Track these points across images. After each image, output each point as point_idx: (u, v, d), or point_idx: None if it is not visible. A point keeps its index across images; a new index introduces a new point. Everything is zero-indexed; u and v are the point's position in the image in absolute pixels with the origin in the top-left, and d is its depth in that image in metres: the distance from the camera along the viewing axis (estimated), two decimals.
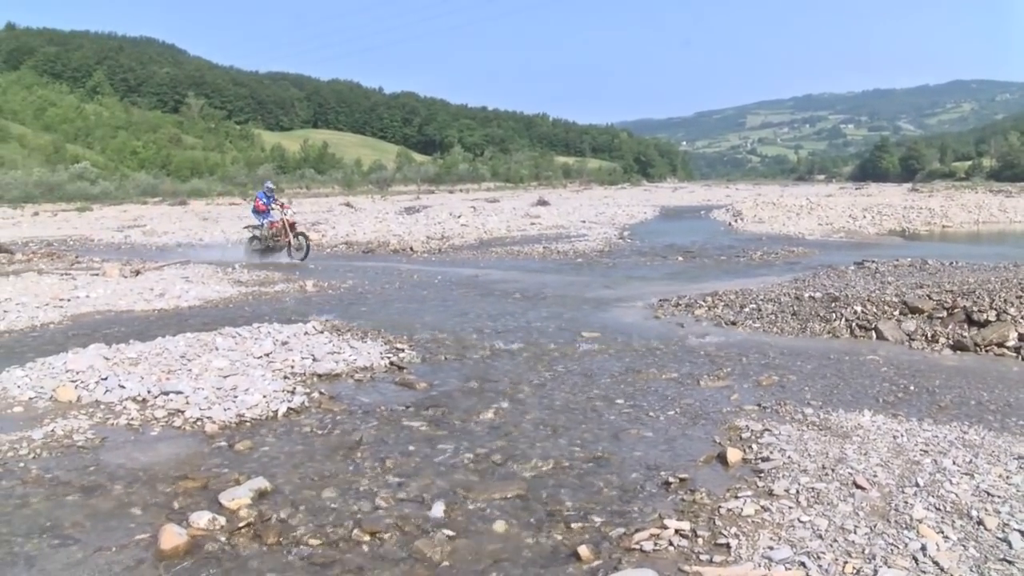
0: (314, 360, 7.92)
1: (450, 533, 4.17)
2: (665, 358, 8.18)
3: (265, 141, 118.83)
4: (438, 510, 4.45)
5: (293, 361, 7.86)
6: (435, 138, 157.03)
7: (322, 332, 9.29)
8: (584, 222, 32.68)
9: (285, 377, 7.36)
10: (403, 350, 8.55)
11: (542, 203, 47.92)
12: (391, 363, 8.00)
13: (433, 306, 11.83)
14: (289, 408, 6.44)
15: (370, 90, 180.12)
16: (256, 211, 21.30)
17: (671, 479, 4.78)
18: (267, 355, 8.01)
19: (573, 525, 4.24)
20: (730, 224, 31.62)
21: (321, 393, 6.89)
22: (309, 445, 5.63)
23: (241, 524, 4.30)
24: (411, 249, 22.64)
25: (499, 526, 4.25)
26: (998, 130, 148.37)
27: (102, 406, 6.53)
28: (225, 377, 7.13)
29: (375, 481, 4.90)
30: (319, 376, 7.49)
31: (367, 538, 4.14)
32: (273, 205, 20.95)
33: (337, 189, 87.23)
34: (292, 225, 20.56)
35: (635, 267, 17.32)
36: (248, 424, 6.11)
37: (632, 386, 7.06)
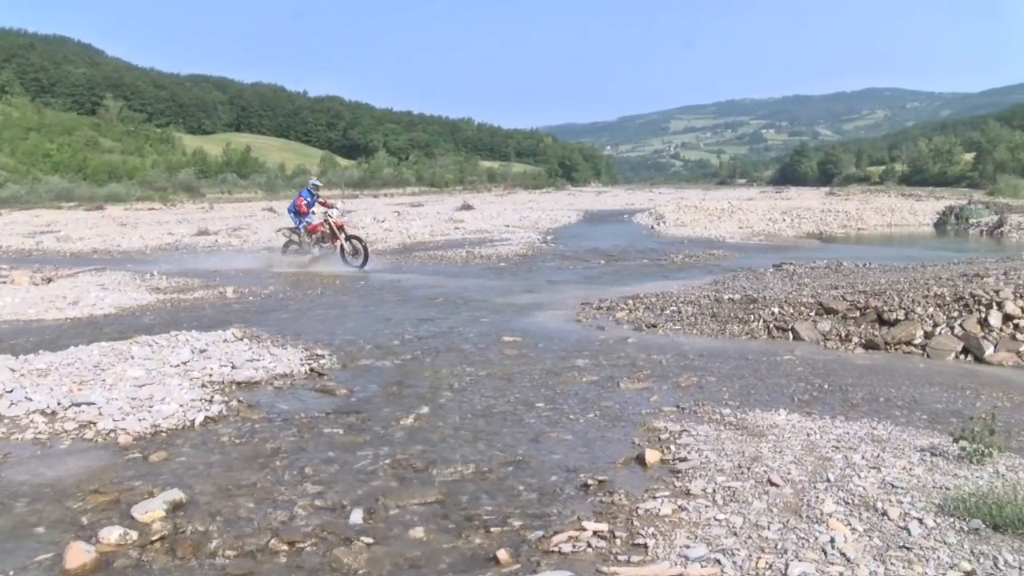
0: (233, 368, 7.80)
1: (369, 540, 4.14)
2: (585, 361, 8.24)
3: (186, 145, 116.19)
4: (357, 517, 4.41)
5: (211, 369, 7.72)
6: (360, 142, 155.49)
7: (241, 339, 9.15)
8: (508, 226, 32.74)
9: (203, 386, 7.22)
10: (323, 356, 8.47)
11: (466, 207, 47.94)
12: (311, 369, 7.92)
13: (355, 312, 11.74)
14: (206, 417, 6.31)
15: (294, 93, 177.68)
16: (295, 211, 18.96)
17: (590, 481, 4.82)
18: (184, 364, 7.85)
19: (492, 529, 4.24)
20: (652, 228, 32.01)
21: (240, 401, 6.78)
22: (227, 454, 5.54)
23: (154, 538, 4.20)
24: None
25: (418, 532, 4.24)
26: (909, 136, 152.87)
27: (5, 420, 6.28)
28: (140, 387, 6.96)
29: (293, 490, 4.84)
30: (238, 384, 7.37)
31: (285, 548, 4.08)
32: (316, 206, 18.81)
33: (260, 194, 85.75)
34: (340, 227, 18.53)
35: (557, 271, 17.42)
36: (164, 434, 5.97)
37: (552, 389, 7.11)
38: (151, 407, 6.45)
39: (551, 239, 26.54)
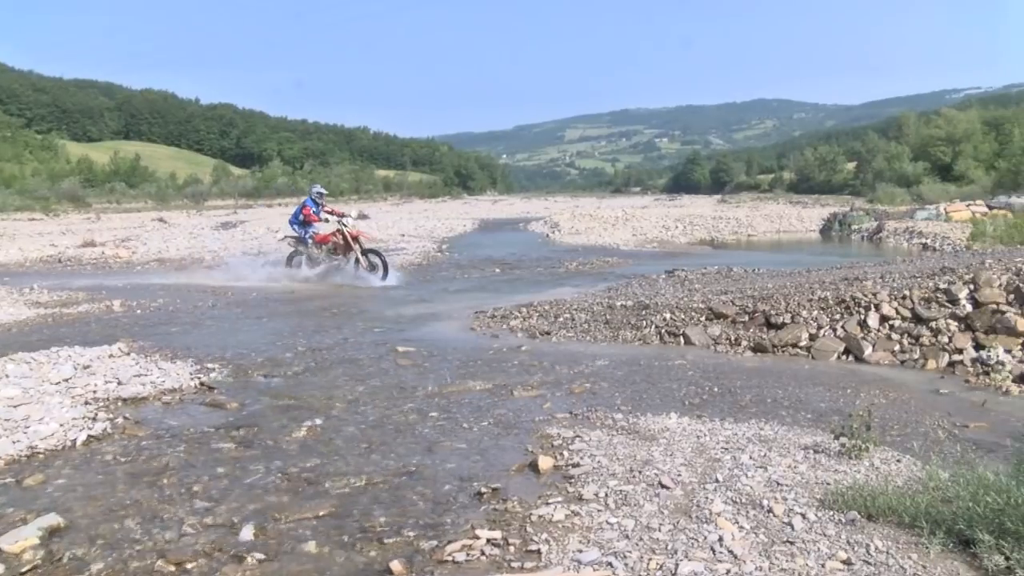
0: (119, 384, 7.54)
1: (260, 557, 4.05)
2: (480, 370, 8.25)
3: (71, 152, 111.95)
4: (247, 533, 4.31)
5: (95, 386, 7.43)
6: (253, 151, 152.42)
7: (128, 354, 8.87)
8: (403, 235, 32.64)
9: (86, 403, 6.95)
10: (214, 370, 8.28)
11: (362, 217, 47.49)
12: (201, 383, 7.73)
13: (247, 324, 11.52)
14: (89, 436, 6.07)
15: (186, 101, 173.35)
16: (300, 221, 17.51)
17: (484, 489, 4.82)
18: (66, 381, 7.53)
19: (386, 540, 4.21)
20: (547, 236, 32.31)
21: (126, 418, 6.56)
22: (111, 474, 5.34)
23: (25, 569, 3.98)
24: (226, 265, 21.89)
25: (310, 546, 4.17)
26: (796, 146, 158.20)
27: None
28: (15, 407, 6.61)
29: (181, 507, 4.70)
30: (124, 400, 7.12)
31: (172, 568, 3.96)
32: (323, 215, 17.39)
33: (150, 204, 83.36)
34: (356, 238, 16.96)
35: (452, 280, 17.43)
36: (41, 456, 5.70)
37: (446, 399, 7.09)
38: (27, 428, 6.13)
39: (446, 248, 26.55)
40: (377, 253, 17.46)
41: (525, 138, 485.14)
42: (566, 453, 5.44)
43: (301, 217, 17.59)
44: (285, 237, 18.82)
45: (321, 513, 4.59)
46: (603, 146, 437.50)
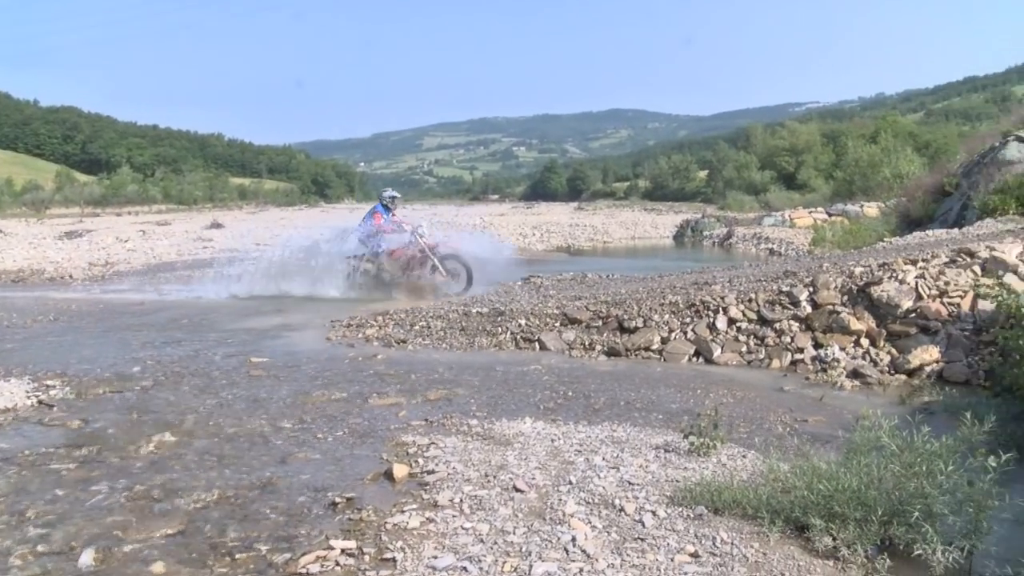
0: None
1: None
2: (334, 380, 8.14)
3: None
4: (87, 558, 4.10)
5: None
6: (100, 157, 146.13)
7: None
8: (259, 245, 31.80)
9: None
10: (54, 387, 7.87)
11: (216, 226, 46.32)
12: (39, 402, 7.33)
13: (92, 337, 11.00)
14: None
15: (23, 102, 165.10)
16: (368, 234, 15.37)
17: (338, 499, 4.76)
18: None
19: (237, 556, 4.10)
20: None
21: None
22: None
23: None
24: (70, 276, 20.84)
25: (157, 567, 4.02)
26: (650, 155, 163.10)
27: None
28: None
29: (10, 536, 4.40)
30: None
31: None
32: (392, 222, 15.32)
33: None
34: (433, 248, 15.13)
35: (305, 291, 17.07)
36: None
37: (301, 409, 6.97)
38: None
39: (303, 257, 26.02)
40: (457, 258, 15.50)
41: (383, 146, 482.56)
42: (421, 460, 5.43)
43: (372, 228, 15.43)
44: (348, 258, 15.79)
45: (169, 531, 4.43)
46: (461, 154, 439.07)
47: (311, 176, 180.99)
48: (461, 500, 4.63)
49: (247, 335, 11.02)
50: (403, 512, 4.51)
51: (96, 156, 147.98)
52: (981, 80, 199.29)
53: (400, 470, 5.18)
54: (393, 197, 16.11)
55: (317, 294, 15.29)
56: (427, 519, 4.39)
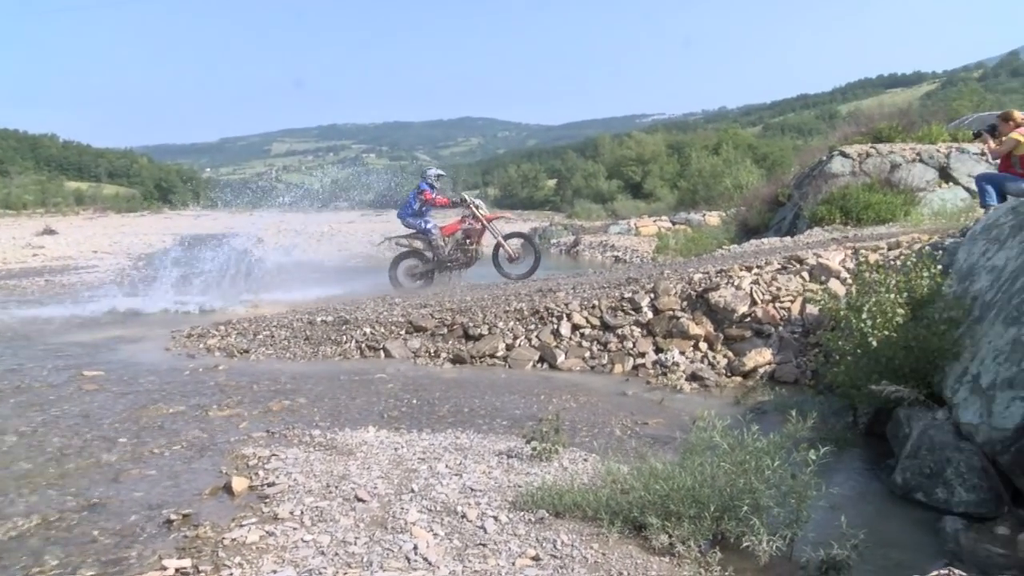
0: None
1: None
2: (173, 392, 7.83)
3: None
4: None
5: None
6: None
7: None
8: (96, 252, 30.55)
9: None
10: None
11: (49, 232, 44.13)
12: None
13: None
14: None
15: None
16: (416, 211, 14.44)
17: (174, 516, 4.58)
18: None
19: None
20: (251, 251, 31.36)
21: None
22: None
23: None
24: None
25: None
26: (500, 163, 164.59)
27: None
28: None
29: None
30: None
31: None
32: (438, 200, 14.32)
33: None
34: (491, 221, 14.32)
35: (148, 301, 16.42)
36: None
37: (136, 423, 6.66)
38: None
39: (144, 265, 25.10)
40: (522, 235, 14.69)
41: (230, 151, 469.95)
42: (262, 472, 5.29)
43: (417, 205, 14.49)
44: (392, 238, 15.16)
45: None
46: (311, 160, 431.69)
47: (154, 181, 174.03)
48: (302, 512, 4.54)
49: (79, 348, 10.46)
50: (242, 526, 4.38)
51: None
52: (812, 98, 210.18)
53: (240, 483, 5.04)
54: (439, 175, 15.16)
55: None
56: (267, 532, 4.28)
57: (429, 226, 14.23)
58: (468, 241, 14.22)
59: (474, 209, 14.20)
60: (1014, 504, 4.75)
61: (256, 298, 15.14)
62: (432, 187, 14.55)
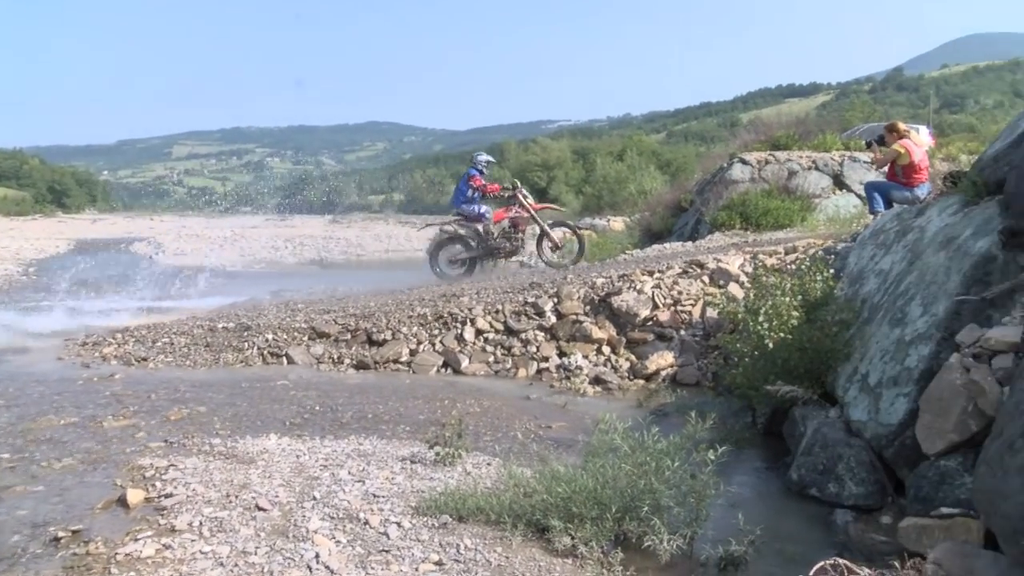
0: None
1: None
2: (65, 403, 7.52)
3: None
4: None
5: None
6: None
7: None
8: None
9: None
10: None
11: None
12: None
13: None
14: None
15: None
16: (466, 198, 14.02)
17: (62, 533, 4.39)
18: None
19: None
20: (151, 257, 30.64)
21: None
22: None
23: None
24: None
25: None
26: (406, 168, 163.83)
27: None
28: None
29: None
30: None
31: None
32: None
33: None
34: (537, 212, 13.94)
35: (38, 307, 15.88)
36: None
37: (23, 437, 6.36)
38: None
39: (34, 271, 24.31)
40: (566, 225, 14.47)
41: (129, 153, 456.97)
42: (159, 484, 5.14)
43: (470, 192, 14.16)
44: (450, 222, 14.66)
45: None
46: (213, 164, 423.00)
47: (47, 183, 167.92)
48: (201, 523, 4.44)
49: None
50: (136, 540, 4.25)
51: None
52: (715, 106, 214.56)
53: (135, 495, 4.89)
54: (488, 161, 14.91)
55: None
56: (163, 546, 4.17)
57: (483, 210, 13.98)
58: (514, 230, 13.98)
59: (521, 198, 13.98)
60: (897, 494, 4.97)
61: (155, 304, 14.76)
62: (481, 173, 14.33)
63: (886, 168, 11.22)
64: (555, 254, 14.04)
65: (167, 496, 4.91)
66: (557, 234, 14.20)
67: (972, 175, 6.35)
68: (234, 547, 4.13)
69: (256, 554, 4.05)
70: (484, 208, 14.00)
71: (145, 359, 9.62)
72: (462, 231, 14.05)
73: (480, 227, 13.91)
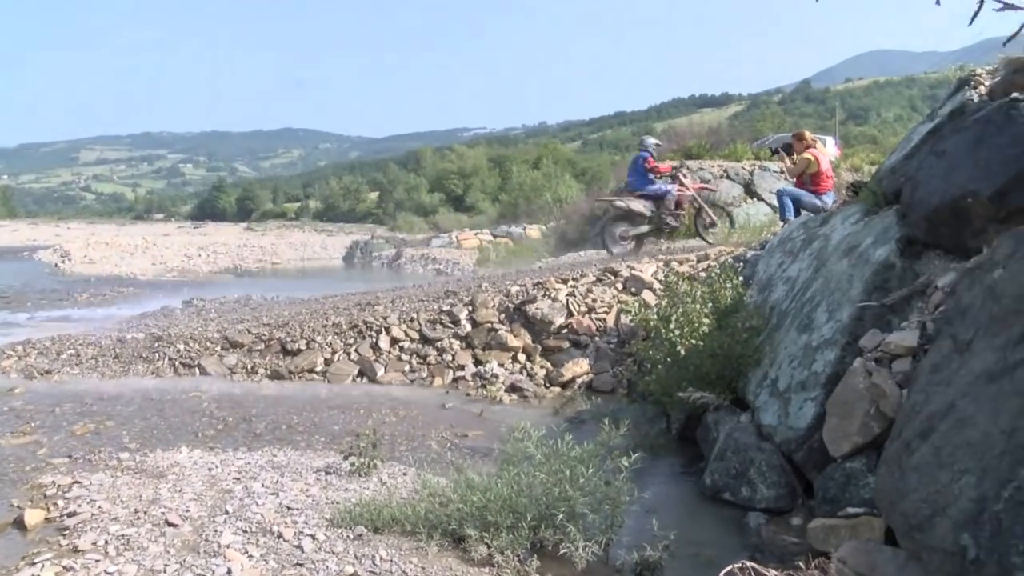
0: None
1: None
2: None
3: None
4: None
5: None
6: None
7: None
8: None
9: None
10: None
11: None
12: None
13: None
14: None
15: None
16: (647, 179, 13.62)
17: None
18: None
19: None
20: (57, 265, 29.77)
21: None
22: None
23: None
24: None
25: None
26: (322, 175, 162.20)
27: None
28: None
29: None
30: None
31: None
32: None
33: None
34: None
35: None
36: None
37: None
38: None
39: None
40: (719, 206, 14.70)
41: (32, 158, 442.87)
42: (61, 502, 4.98)
43: (648, 174, 13.91)
44: (620, 199, 14.39)
45: None
46: (123, 170, 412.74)
47: None
48: (106, 542, 4.31)
49: None
50: (34, 564, 4.08)
51: None
52: (629, 115, 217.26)
53: (34, 516, 4.72)
54: (657, 144, 14.78)
55: None
56: (64, 568, 4.01)
57: (667, 188, 13.80)
58: (678, 208, 13.98)
59: (682, 178, 14.07)
60: (806, 496, 5.08)
61: (60, 314, 14.34)
62: (651, 155, 14.12)
63: (796, 177, 11.49)
64: (710, 230, 14.18)
65: (71, 515, 4.76)
66: (706, 214, 14.32)
67: (872, 185, 6.56)
68: (142, 565, 4.02)
69: (165, 572, 3.95)
70: (669, 186, 13.92)
71: (49, 372, 9.32)
72: (637, 208, 13.82)
73: (663, 204, 13.84)
